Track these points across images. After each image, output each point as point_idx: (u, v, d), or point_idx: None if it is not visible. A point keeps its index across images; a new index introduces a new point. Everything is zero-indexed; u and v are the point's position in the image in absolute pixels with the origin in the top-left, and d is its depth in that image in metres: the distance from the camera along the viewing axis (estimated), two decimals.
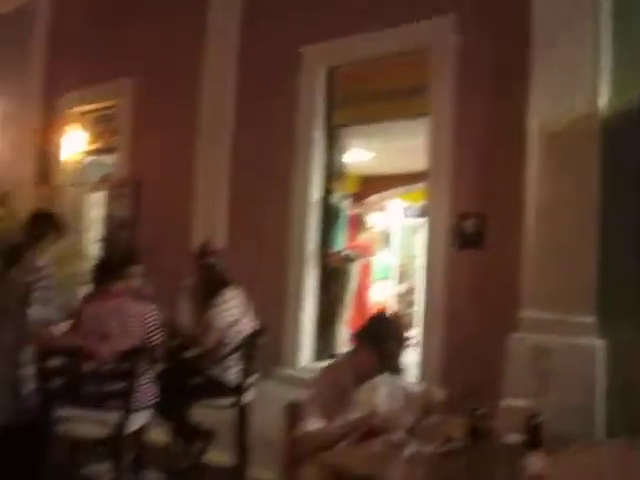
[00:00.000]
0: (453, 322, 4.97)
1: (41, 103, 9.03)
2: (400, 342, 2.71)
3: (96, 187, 8.49)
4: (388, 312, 2.91)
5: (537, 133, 4.49)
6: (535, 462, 2.17)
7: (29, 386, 3.20)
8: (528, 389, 4.05)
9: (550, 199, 4.41)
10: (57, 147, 8.66)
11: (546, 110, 4.47)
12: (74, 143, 8.43)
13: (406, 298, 8.31)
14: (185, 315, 4.40)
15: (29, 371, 3.19)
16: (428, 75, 5.36)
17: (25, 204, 8.09)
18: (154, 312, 3.61)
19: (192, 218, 6.68)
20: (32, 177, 8.98)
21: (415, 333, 5.58)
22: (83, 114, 8.59)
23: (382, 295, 7.66)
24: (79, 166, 8.71)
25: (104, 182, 8.33)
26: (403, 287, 8.53)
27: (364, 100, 5.95)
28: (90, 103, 8.39)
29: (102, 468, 4.22)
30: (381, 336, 2.68)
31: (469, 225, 4.96)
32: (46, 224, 3.45)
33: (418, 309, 5.71)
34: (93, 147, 8.52)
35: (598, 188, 4.24)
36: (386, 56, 5.69)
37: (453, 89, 5.15)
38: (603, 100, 4.29)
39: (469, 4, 5.10)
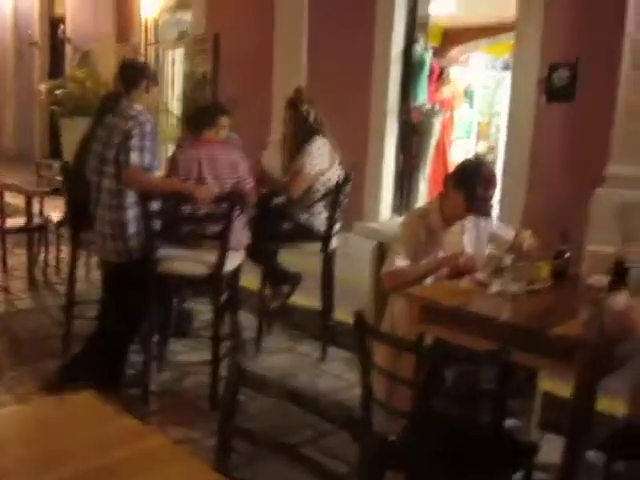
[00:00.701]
0: (538, 177, 4.91)
1: None
2: (489, 186, 2.73)
3: (175, 44, 8.50)
4: (478, 157, 2.90)
5: None
6: (620, 299, 2.22)
7: (133, 228, 3.41)
8: (612, 243, 4.05)
9: None
10: (135, 4, 8.63)
11: None
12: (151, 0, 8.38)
13: (487, 156, 8.15)
14: (274, 165, 4.50)
15: (132, 214, 3.39)
16: None
17: (106, 63, 8.22)
18: (243, 159, 3.72)
19: (272, 70, 6.65)
20: (111, 37, 9.04)
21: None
22: None
23: (461, 154, 7.56)
24: (157, 24, 8.70)
25: (182, 38, 8.32)
26: (484, 145, 8.38)
27: None
28: None
29: (200, 306, 4.57)
30: (470, 180, 2.70)
31: (559, 76, 4.77)
32: (139, 72, 3.52)
33: (499, 167, 5.64)
34: (170, 3, 8.45)
35: None
36: None
37: None
38: None
39: None
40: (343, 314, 4.18)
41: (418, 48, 5.97)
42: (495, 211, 5.08)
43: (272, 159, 4.72)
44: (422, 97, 6.07)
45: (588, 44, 4.65)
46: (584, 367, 2.00)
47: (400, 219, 5.68)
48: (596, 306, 2.26)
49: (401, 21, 5.87)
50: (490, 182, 2.75)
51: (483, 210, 2.78)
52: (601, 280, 2.50)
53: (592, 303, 2.33)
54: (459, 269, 2.69)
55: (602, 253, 2.66)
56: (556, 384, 3.03)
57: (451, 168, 7.09)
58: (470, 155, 6.93)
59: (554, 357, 2.14)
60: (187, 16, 8.19)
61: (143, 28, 8.66)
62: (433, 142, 6.49)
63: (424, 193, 6.30)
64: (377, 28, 5.84)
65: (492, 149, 8.16)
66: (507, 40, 7.25)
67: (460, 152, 7.42)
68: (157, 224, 3.45)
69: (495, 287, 2.47)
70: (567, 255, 2.62)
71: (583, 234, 4.24)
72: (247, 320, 4.37)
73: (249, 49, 6.92)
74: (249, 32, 6.94)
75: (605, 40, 4.45)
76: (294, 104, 4.21)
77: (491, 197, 2.78)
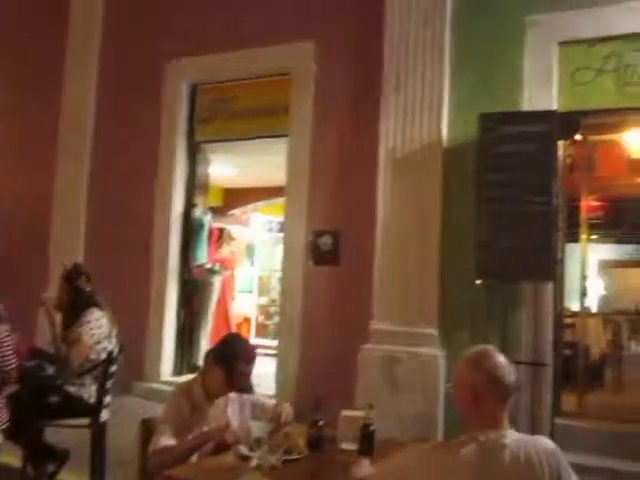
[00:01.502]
0: (310, 334, 5.23)
1: None
2: (249, 362, 2.90)
3: None
4: (238, 333, 3.09)
5: (386, 159, 4.87)
6: (360, 467, 2.42)
7: None
8: (377, 397, 4.38)
9: (397, 220, 4.79)
10: None
11: (395, 138, 4.85)
12: None
13: (268, 310, 8.54)
14: (45, 332, 4.36)
15: None
16: (289, 97, 5.61)
17: None
18: (8, 334, 3.57)
19: (49, 231, 6.52)
20: None
21: (275, 344, 5.80)
22: None
23: (244, 307, 7.83)
24: None
25: None
26: (265, 299, 8.75)
27: (228, 117, 6.11)
28: None
29: None
30: (230, 357, 2.86)
31: (324, 242, 5.25)
32: None
33: (278, 321, 5.94)
34: None
35: (440, 211, 4.67)
36: (249, 76, 5.90)
37: (311, 112, 5.43)
38: (444, 131, 4.74)
39: (329, 34, 5.41)
40: None
41: (197, 211, 6.25)
42: (272, 370, 5.35)
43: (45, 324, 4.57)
44: (202, 257, 6.30)
45: (348, 213, 5.21)
46: None
47: (182, 378, 5.72)
48: (346, 476, 2.43)
49: (181, 184, 6.15)
50: (250, 357, 2.92)
51: (244, 384, 2.92)
52: (352, 445, 2.71)
53: (342, 472, 2.51)
54: (224, 443, 2.76)
55: (354, 417, 2.88)
56: None
57: (233, 324, 7.38)
58: (248, 312, 7.24)
59: None
60: None
61: None
62: (214, 299, 6.68)
63: (206, 350, 6.36)
64: (158, 191, 6.05)
65: (274, 302, 8.55)
66: (283, 202, 7.87)
67: (242, 305, 7.69)
68: None
69: (255, 460, 2.57)
70: (321, 423, 2.81)
71: (352, 392, 4.55)
72: None
73: (26, 208, 6.73)
74: (27, 191, 6.76)
75: (362, 211, 5.01)
76: (69, 278, 4.23)
77: (251, 372, 2.94)
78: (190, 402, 2.87)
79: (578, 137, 4.64)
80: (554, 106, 4.47)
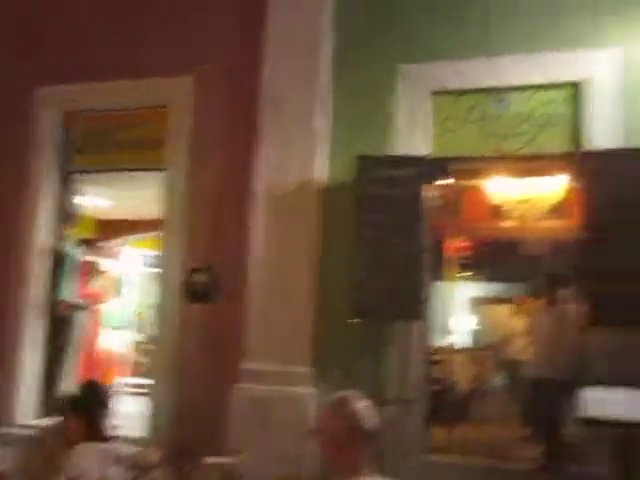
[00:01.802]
0: (184, 374, 5.08)
1: None
2: (106, 409, 2.79)
3: None
4: (96, 381, 2.97)
5: (262, 195, 4.88)
6: None
7: None
8: (249, 438, 4.31)
9: (272, 257, 4.80)
10: None
11: (271, 175, 4.89)
12: None
13: (143, 347, 8.24)
14: None
15: None
16: (166, 130, 5.52)
17: None
18: None
19: None
20: None
21: (149, 383, 5.60)
22: None
23: (117, 344, 7.55)
24: None
25: None
26: (140, 336, 8.48)
27: (103, 148, 5.93)
28: None
29: None
30: (88, 405, 2.74)
31: (199, 279, 5.16)
32: None
33: (152, 359, 5.74)
34: None
35: (315, 249, 4.73)
36: (126, 107, 5.77)
37: (188, 145, 5.37)
38: (322, 169, 4.83)
39: (208, 67, 5.38)
40: None
41: (66, 244, 5.97)
42: (145, 410, 5.14)
43: None
44: (69, 291, 6.02)
45: (224, 250, 5.16)
46: None
47: (45, 420, 5.38)
48: None
49: (49, 216, 5.85)
50: (107, 404, 2.82)
51: (103, 431, 2.80)
52: None
53: None
54: None
55: (217, 464, 2.83)
56: None
57: (101, 360, 7.07)
58: (122, 349, 6.98)
59: None
60: None
61: None
62: (80, 336, 6.39)
63: (72, 388, 6.04)
64: (22, 226, 5.73)
65: (148, 339, 8.28)
66: (158, 236, 7.70)
67: (115, 342, 7.42)
68: None
69: None
70: (187, 469, 2.73)
71: (224, 434, 4.45)
72: None
73: None
74: None
75: (238, 248, 4.98)
76: None
77: (107, 420, 2.83)
78: (45, 450, 2.73)
79: (446, 182, 4.87)
80: (426, 151, 4.67)
